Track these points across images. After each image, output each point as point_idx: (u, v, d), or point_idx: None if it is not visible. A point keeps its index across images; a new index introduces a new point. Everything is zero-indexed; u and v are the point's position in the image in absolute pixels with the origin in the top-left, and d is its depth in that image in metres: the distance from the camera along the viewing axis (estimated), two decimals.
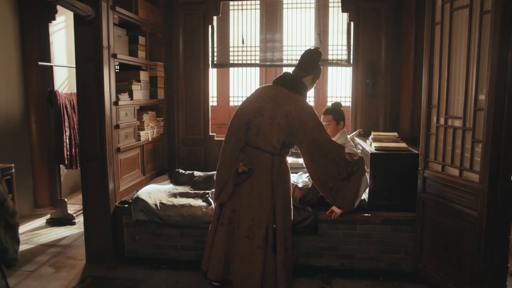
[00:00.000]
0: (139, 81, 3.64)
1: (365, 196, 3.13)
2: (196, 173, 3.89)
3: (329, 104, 4.63)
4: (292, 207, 2.71)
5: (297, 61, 2.68)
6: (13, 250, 1.32)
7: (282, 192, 2.55)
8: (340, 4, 4.05)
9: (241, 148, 2.54)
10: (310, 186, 3.08)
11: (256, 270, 2.51)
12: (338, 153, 2.54)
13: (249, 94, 4.78)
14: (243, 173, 2.51)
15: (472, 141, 2.39)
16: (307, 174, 3.38)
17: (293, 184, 3.15)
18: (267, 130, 2.48)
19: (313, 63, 2.62)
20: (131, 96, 3.50)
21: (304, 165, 2.66)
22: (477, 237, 2.37)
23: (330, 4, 4.21)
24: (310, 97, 4.74)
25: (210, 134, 4.34)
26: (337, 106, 3.17)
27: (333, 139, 3.11)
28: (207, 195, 3.26)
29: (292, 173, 3.62)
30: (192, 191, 3.48)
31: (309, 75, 2.60)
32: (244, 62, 4.45)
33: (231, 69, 4.73)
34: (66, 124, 4.10)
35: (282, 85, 2.56)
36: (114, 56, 3.17)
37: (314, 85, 2.72)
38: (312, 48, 2.68)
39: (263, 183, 2.51)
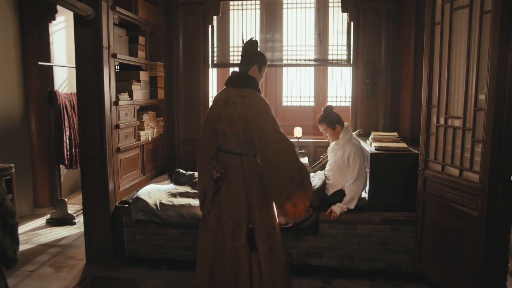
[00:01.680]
0: (139, 81, 3.64)
1: (365, 194, 3.14)
2: (196, 173, 3.89)
3: (329, 103, 4.63)
4: (272, 205, 2.58)
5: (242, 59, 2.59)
6: (12, 250, 1.32)
7: (257, 190, 2.49)
8: (340, 4, 4.05)
9: (212, 155, 2.53)
10: (313, 189, 3.07)
11: (244, 271, 2.50)
12: (291, 151, 2.34)
13: None
14: (217, 179, 2.52)
15: (472, 141, 2.39)
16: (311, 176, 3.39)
17: None
18: (229, 132, 2.46)
19: (253, 52, 2.58)
20: (131, 96, 3.50)
21: None
22: (477, 237, 2.37)
23: (330, 4, 4.21)
24: (311, 97, 4.73)
25: None
26: (327, 111, 3.11)
27: (338, 141, 3.13)
28: None
29: None
30: (192, 191, 3.48)
31: (253, 66, 2.53)
32: None
33: (231, 69, 4.72)
34: (66, 124, 4.10)
35: (231, 84, 2.54)
36: (114, 56, 3.17)
37: (264, 73, 2.63)
38: (248, 39, 2.62)
39: (236, 184, 2.50)
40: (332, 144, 3.23)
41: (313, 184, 3.12)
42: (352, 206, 2.98)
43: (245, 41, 2.59)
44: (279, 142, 2.33)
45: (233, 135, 2.45)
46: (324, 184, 3.14)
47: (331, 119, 3.08)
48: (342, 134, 3.09)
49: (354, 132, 3.92)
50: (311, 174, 3.46)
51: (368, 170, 3.12)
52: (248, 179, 2.48)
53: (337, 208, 2.98)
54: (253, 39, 2.60)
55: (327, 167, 3.31)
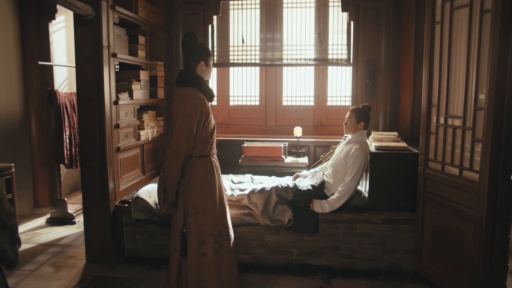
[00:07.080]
0: (139, 81, 3.64)
1: (365, 194, 3.14)
2: None
3: (329, 104, 4.65)
4: (214, 211, 2.52)
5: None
6: (12, 250, 1.31)
7: (195, 194, 2.46)
8: (340, 4, 4.04)
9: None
10: (312, 189, 3.07)
11: (172, 275, 2.52)
12: (169, 157, 2.43)
13: (249, 94, 4.81)
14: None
15: (472, 141, 2.39)
16: (310, 177, 3.37)
17: (294, 187, 3.11)
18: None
19: (195, 46, 2.48)
20: (131, 95, 3.50)
21: None
22: (477, 237, 2.37)
23: (330, 4, 4.20)
24: (311, 96, 4.73)
25: None
26: (365, 107, 3.21)
27: (350, 136, 3.16)
28: None
29: (290, 174, 3.62)
30: None
31: (200, 62, 2.47)
32: (244, 61, 4.45)
33: (231, 68, 4.73)
34: (66, 123, 4.10)
35: (176, 84, 2.53)
36: (114, 55, 3.17)
37: (211, 63, 2.58)
38: (187, 32, 2.53)
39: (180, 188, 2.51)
40: (343, 143, 3.26)
41: (312, 183, 3.12)
42: (335, 207, 2.96)
43: (190, 36, 2.47)
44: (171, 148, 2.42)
45: None
46: (323, 184, 3.14)
47: (362, 113, 3.15)
48: (358, 133, 3.12)
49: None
50: (309, 176, 3.45)
51: (368, 170, 3.12)
52: (187, 182, 2.46)
53: (317, 206, 2.97)
54: (190, 31, 2.48)
55: (329, 163, 3.31)
